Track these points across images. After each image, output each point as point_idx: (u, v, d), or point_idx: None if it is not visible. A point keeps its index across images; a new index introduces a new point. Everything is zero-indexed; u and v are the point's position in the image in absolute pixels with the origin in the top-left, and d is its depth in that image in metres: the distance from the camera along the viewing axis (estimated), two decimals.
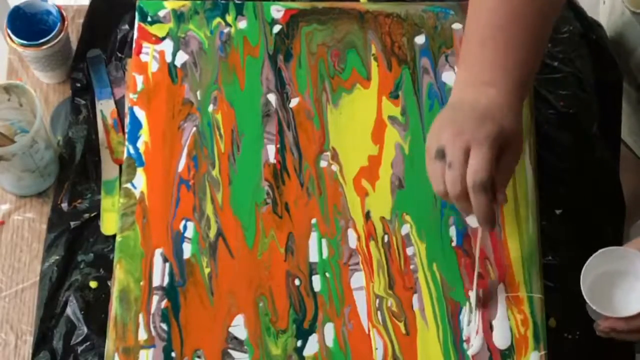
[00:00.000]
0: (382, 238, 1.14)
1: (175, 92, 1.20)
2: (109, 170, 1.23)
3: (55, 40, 1.23)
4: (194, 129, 1.18)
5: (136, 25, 1.23)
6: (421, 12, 1.24)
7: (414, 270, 1.12)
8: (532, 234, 1.14)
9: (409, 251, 1.13)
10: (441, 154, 1.02)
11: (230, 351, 1.09)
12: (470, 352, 1.09)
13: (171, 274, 1.12)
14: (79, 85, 1.28)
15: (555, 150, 1.25)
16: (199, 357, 1.09)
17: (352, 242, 1.13)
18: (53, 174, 1.24)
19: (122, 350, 1.09)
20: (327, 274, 1.12)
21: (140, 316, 1.10)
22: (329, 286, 1.12)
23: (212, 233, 1.14)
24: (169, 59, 1.22)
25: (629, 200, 1.28)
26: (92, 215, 1.21)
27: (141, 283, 1.11)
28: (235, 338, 1.10)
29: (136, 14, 1.24)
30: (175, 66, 1.21)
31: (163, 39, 1.23)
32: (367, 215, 1.14)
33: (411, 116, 1.19)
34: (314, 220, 1.14)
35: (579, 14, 1.33)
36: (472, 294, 1.10)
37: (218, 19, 1.24)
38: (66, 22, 1.24)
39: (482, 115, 1.02)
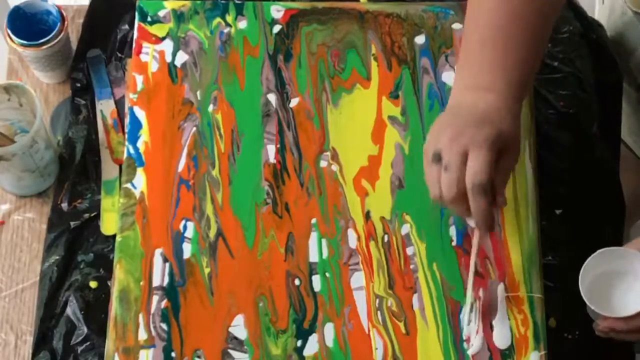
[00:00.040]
0: (382, 238, 1.14)
1: (175, 92, 1.20)
2: (109, 170, 1.23)
3: (55, 40, 1.23)
4: (194, 129, 1.18)
5: (136, 25, 1.23)
6: (421, 12, 1.24)
7: (414, 270, 1.12)
8: (532, 234, 1.14)
9: (409, 251, 1.13)
10: (437, 158, 1.02)
11: (230, 351, 1.09)
12: (470, 352, 1.09)
13: (171, 274, 1.12)
14: (79, 85, 1.28)
15: (555, 150, 1.25)
16: (199, 357, 1.09)
17: (352, 242, 1.13)
18: (53, 174, 1.24)
19: (122, 350, 1.09)
20: (327, 274, 1.12)
21: (140, 316, 1.10)
22: (329, 286, 1.12)
23: (212, 233, 1.14)
24: (169, 59, 1.22)
25: (629, 200, 1.28)
26: (92, 215, 1.21)
27: (141, 283, 1.11)
28: (235, 338, 1.10)
29: (136, 14, 1.24)
30: (175, 66, 1.21)
31: (163, 39, 1.23)
32: (367, 215, 1.14)
33: (411, 116, 1.19)
34: (314, 220, 1.14)
35: (579, 14, 1.33)
36: (469, 294, 1.10)
37: (218, 19, 1.24)
38: (66, 22, 1.24)
39: (481, 119, 1.02)
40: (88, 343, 1.15)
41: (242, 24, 1.23)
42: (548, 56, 1.30)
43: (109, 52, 1.29)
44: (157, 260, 1.12)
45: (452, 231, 1.14)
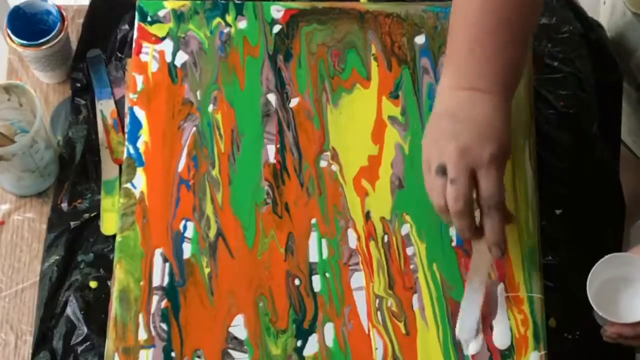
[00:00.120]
0: (382, 238, 1.13)
1: (175, 92, 1.20)
2: (109, 170, 1.23)
3: (55, 40, 1.23)
4: (194, 129, 1.18)
5: (136, 25, 1.23)
6: (421, 12, 1.24)
7: (414, 270, 1.12)
8: (532, 234, 1.14)
9: (409, 251, 1.13)
10: (443, 170, 1.03)
11: (230, 351, 1.09)
12: (470, 352, 1.09)
13: (171, 274, 1.12)
14: (79, 85, 1.28)
15: (555, 150, 1.25)
16: (198, 357, 1.09)
17: (352, 242, 1.13)
18: (53, 174, 1.24)
19: (122, 350, 1.09)
20: (327, 274, 1.12)
21: (140, 316, 1.10)
22: (329, 286, 1.12)
23: (212, 233, 1.14)
24: (169, 59, 1.22)
25: (629, 200, 1.28)
26: (92, 215, 1.21)
27: (141, 283, 1.11)
28: (235, 338, 1.10)
29: (136, 14, 1.24)
30: (175, 66, 1.21)
31: (163, 39, 1.23)
32: (367, 215, 1.14)
33: (411, 116, 1.19)
34: (314, 220, 1.14)
35: (579, 14, 1.33)
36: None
37: (218, 19, 1.24)
38: (66, 22, 1.24)
39: (486, 134, 1.03)
40: (88, 343, 1.15)
41: (242, 24, 1.23)
42: (548, 56, 1.30)
43: (109, 52, 1.29)
44: (157, 260, 1.12)
45: (452, 231, 1.14)
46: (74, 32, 1.31)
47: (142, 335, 1.09)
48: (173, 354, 1.09)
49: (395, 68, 1.21)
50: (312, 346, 1.09)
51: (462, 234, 1.06)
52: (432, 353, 1.09)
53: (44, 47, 1.23)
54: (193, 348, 1.09)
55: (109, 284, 1.16)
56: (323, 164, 1.17)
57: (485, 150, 1.02)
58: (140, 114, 1.19)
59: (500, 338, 1.10)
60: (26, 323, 1.18)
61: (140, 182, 1.15)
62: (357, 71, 1.21)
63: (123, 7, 1.31)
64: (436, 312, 1.11)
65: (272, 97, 1.20)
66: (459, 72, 1.06)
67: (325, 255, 1.13)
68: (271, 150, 1.17)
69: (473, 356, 1.09)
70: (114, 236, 1.17)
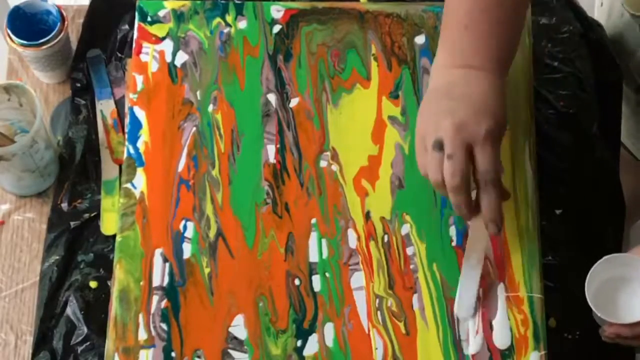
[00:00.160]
0: (382, 238, 1.13)
1: (175, 92, 1.20)
2: (109, 170, 1.23)
3: (55, 40, 1.23)
4: (194, 129, 1.18)
5: (136, 25, 1.23)
6: (421, 12, 1.24)
7: (414, 270, 1.12)
8: (532, 234, 1.14)
9: (409, 251, 1.13)
10: (440, 146, 1.03)
11: (230, 351, 1.09)
12: (470, 352, 1.09)
13: (171, 274, 1.12)
14: (79, 85, 1.28)
15: (555, 150, 1.25)
16: (198, 357, 1.09)
17: (352, 242, 1.13)
18: (53, 174, 1.24)
19: (122, 350, 1.09)
20: (327, 274, 1.12)
21: (140, 316, 1.10)
22: (329, 286, 1.12)
23: (212, 233, 1.14)
24: (169, 59, 1.22)
25: (629, 200, 1.28)
26: (92, 215, 1.21)
27: (141, 283, 1.11)
28: (235, 338, 1.10)
29: (136, 14, 1.24)
30: (175, 66, 1.21)
31: (163, 39, 1.23)
32: (367, 215, 1.14)
33: (411, 116, 1.19)
34: (313, 220, 1.14)
35: (579, 14, 1.33)
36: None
37: (218, 19, 1.24)
38: (66, 22, 1.24)
39: (481, 110, 1.03)
40: (88, 343, 1.15)
41: (242, 24, 1.23)
42: (548, 56, 1.30)
43: (109, 52, 1.29)
44: (157, 260, 1.12)
45: (452, 231, 1.14)
46: (74, 32, 1.31)
47: (142, 335, 1.09)
48: (173, 354, 1.09)
49: (395, 68, 1.21)
50: (312, 346, 1.09)
51: (459, 211, 1.06)
52: (432, 353, 1.09)
53: (44, 47, 1.23)
54: (193, 348, 1.09)
55: (109, 284, 1.16)
56: (323, 164, 1.17)
57: (481, 126, 1.03)
58: (140, 114, 1.19)
59: (500, 338, 1.10)
60: (26, 323, 1.18)
61: (140, 182, 1.15)
62: (357, 71, 1.21)
63: (123, 7, 1.31)
64: (436, 312, 1.11)
65: (272, 97, 1.20)
66: (454, 50, 1.07)
67: (325, 255, 1.13)
68: (271, 150, 1.17)
69: (473, 356, 1.09)
70: (114, 236, 1.17)
